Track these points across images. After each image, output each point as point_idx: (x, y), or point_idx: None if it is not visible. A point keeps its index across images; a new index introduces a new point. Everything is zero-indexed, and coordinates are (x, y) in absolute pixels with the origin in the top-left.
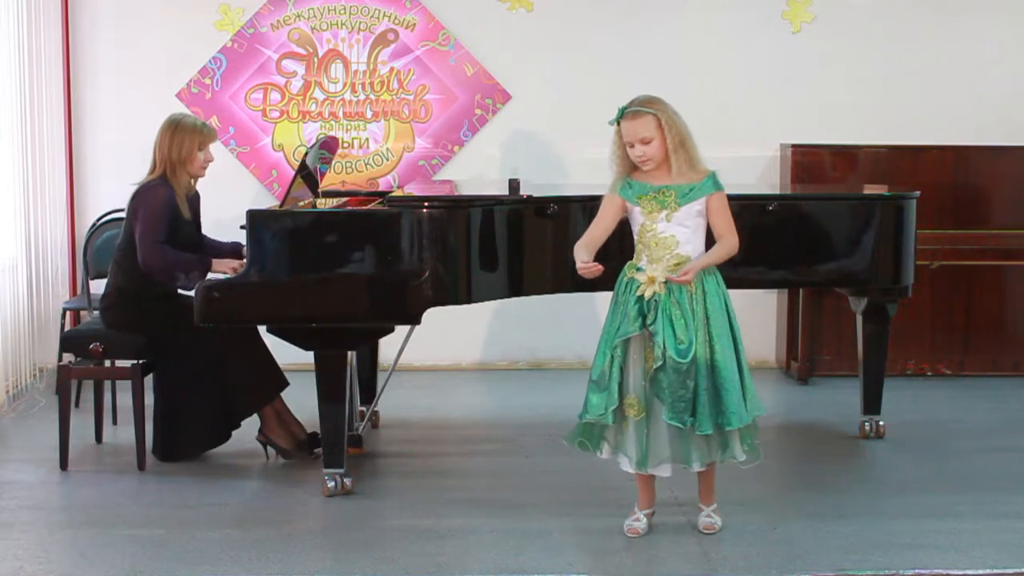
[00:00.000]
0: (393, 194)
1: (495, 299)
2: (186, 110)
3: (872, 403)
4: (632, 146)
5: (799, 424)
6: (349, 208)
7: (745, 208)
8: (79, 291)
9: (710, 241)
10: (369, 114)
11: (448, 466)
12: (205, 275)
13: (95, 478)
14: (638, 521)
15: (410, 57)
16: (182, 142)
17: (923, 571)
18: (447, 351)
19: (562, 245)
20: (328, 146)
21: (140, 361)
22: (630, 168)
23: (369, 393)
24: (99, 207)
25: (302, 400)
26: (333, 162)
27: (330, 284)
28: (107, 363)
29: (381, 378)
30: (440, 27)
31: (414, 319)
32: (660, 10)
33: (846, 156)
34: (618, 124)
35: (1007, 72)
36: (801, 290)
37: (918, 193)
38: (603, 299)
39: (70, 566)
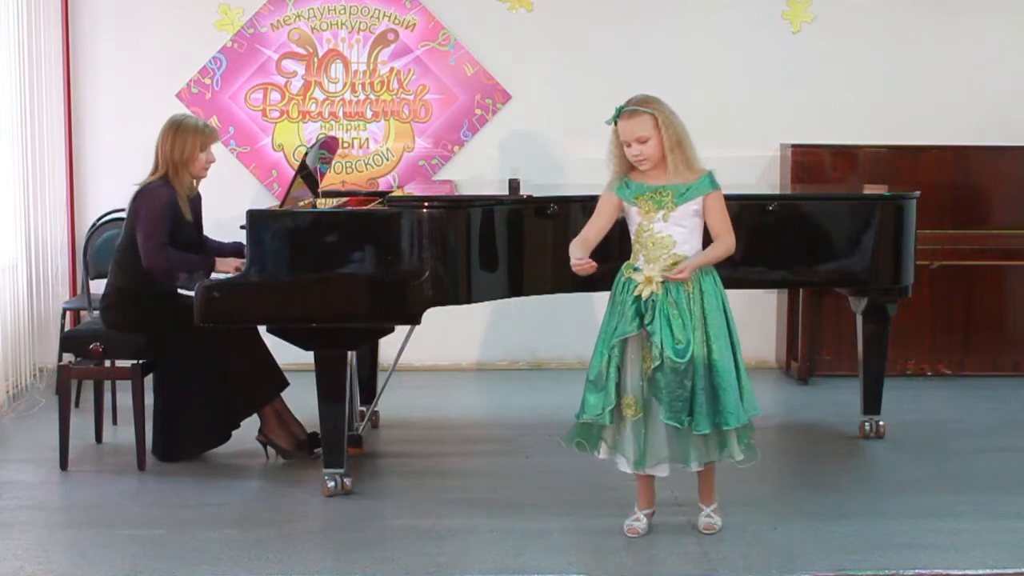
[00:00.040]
0: (393, 194)
1: (495, 299)
2: (186, 110)
3: (872, 403)
4: (629, 145)
5: (799, 424)
6: (349, 208)
7: (745, 208)
8: (79, 291)
9: (708, 241)
10: (369, 114)
11: (448, 466)
12: (209, 275)
13: (95, 478)
14: (638, 521)
15: (410, 57)
16: (184, 143)
17: (923, 571)
18: (447, 351)
19: (562, 245)
20: (328, 146)
21: (140, 361)
22: (627, 168)
23: (369, 393)
24: (99, 207)
25: (302, 400)
26: (333, 162)
27: (330, 284)
28: (107, 363)
29: (381, 378)
30: (440, 27)
31: (414, 319)
32: (660, 10)
33: (846, 156)
34: (615, 123)
35: (1007, 72)
36: (801, 290)
37: (918, 193)
38: (603, 299)
39: (70, 566)
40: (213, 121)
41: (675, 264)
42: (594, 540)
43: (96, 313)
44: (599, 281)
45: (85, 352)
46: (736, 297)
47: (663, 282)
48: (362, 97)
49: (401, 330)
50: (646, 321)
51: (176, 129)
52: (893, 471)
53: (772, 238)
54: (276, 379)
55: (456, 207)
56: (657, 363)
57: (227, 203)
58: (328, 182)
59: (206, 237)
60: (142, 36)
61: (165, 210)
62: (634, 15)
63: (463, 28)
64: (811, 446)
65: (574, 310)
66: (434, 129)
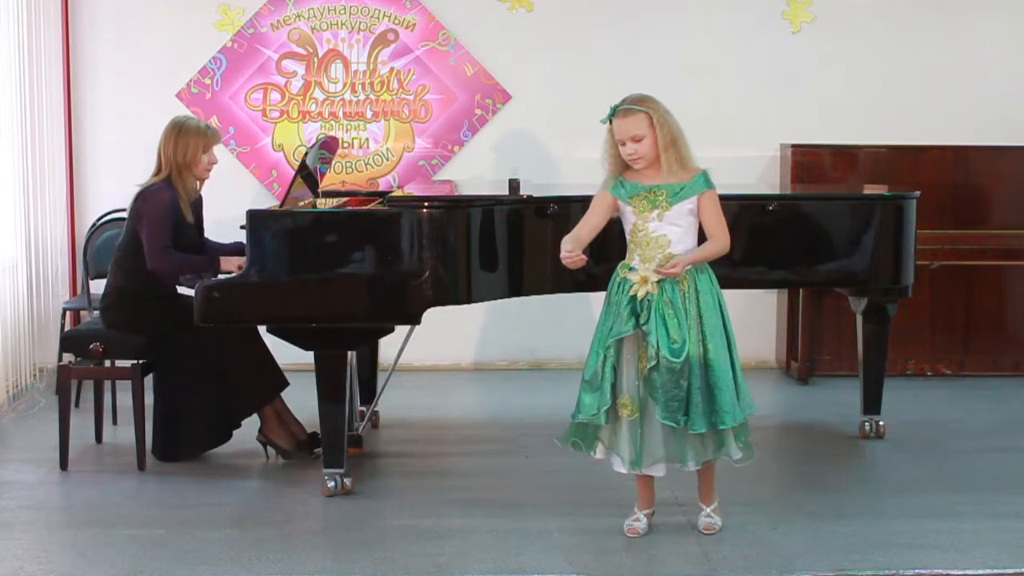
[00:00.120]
0: (393, 194)
1: (495, 299)
2: (186, 110)
3: (872, 403)
4: (624, 144)
5: (799, 424)
6: (349, 208)
7: (745, 208)
8: (79, 291)
9: (703, 241)
10: (369, 114)
11: (448, 466)
12: (215, 275)
13: (95, 478)
14: (638, 521)
15: (410, 57)
16: (187, 144)
17: (923, 571)
18: (447, 351)
19: None
20: (328, 146)
21: (140, 361)
22: (622, 167)
23: (369, 393)
24: (99, 207)
25: (302, 400)
26: (333, 162)
27: (330, 284)
28: (107, 363)
29: (381, 378)
30: (440, 27)
31: (414, 319)
32: (660, 10)
33: (846, 156)
34: (610, 122)
35: (1007, 72)
36: (801, 290)
37: (918, 193)
38: (602, 299)
39: (70, 566)
40: (213, 121)
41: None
42: (594, 540)
43: (96, 313)
44: (600, 281)
45: (85, 352)
46: (736, 297)
47: (659, 282)
48: (362, 97)
49: (401, 330)
50: (642, 321)
51: (179, 131)
52: (893, 471)
53: (772, 238)
54: (276, 379)
55: (456, 207)
56: (653, 363)
57: (227, 203)
58: (328, 182)
59: (208, 240)
60: (142, 36)
61: (167, 212)
62: (634, 15)
63: (463, 28)
64: (811, 446)
65: (574, 310)
66: (434, 129)
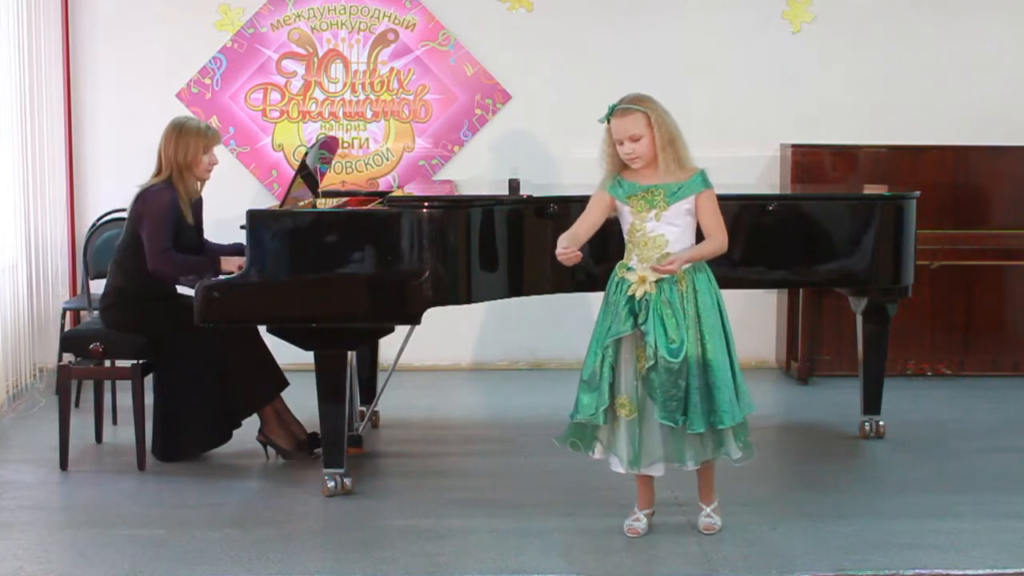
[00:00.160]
0: (393, 194)
1: (495, 299)
2: (186, 110)
3: (872, 403)
4: (621, 143)
5: (799, 424)
6: (349, 208)
7: (745, 208)
8: (79, 291)
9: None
10: (369, 114)
11: (448, 466)
12: (216, 275)
13: (95, 478)
14: (638, 521)
15: (410, 57)
16: (187, 145)
17: (923, 571)
18: (447, 351)
19: None
20: (328, 146)
21: (140, 361)
22: (620, 166)
23: (369, 393)
24: (99, 207)
25: (302, 400)
26: (333, 162)
27: (330, 284)
28: (107, 363)
29: (381, 378)
30: (440, 27)
31: (414, 319)
32: (660, 10)
33: (846, 156)
34: (608, 121)
35: (1007, 72)
36: (801, 290)
37: (918, 193)
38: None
39: (70, 566)
40: (213, 121)
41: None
42: (594, 540)
43: (96, 313)
44: (600, 281)
45: (85, 352)
46: (736, 297)
47: (657, 282)
48: (362, 97)
49: (401, 330)
50: (640, 321)
51: (179, 132)
52: (893, 471)
53: (772, 238)
54: (276, 379)
55: (456, 207)
56: (651, 363)
57: (227, 203)
58: (328, 182)
59: (207, 241)
60: (142, 36)
61: (168, 213)
62: (634, 15)
63: (463, 28)
64: (811, 446)
65: (574, 310)
66: (434, 129)
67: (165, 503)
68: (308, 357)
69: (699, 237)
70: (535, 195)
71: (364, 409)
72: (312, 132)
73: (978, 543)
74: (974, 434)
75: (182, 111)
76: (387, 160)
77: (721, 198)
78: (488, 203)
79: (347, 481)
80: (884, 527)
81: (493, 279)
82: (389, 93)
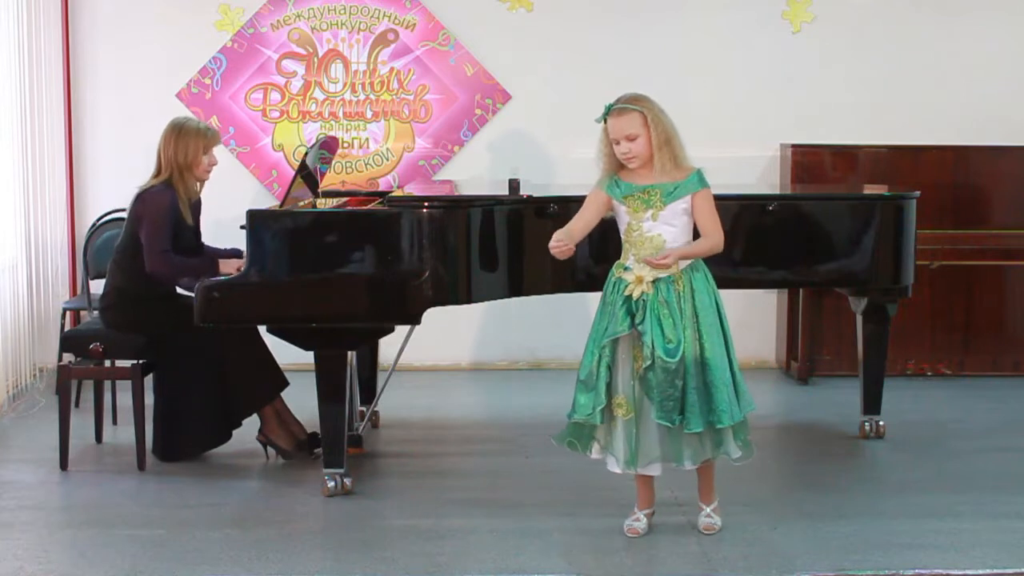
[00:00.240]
0: (393, 194)
1: (495, 299)
2: (186, 110)
3: (872, 403)
4: (618, 143)
5: (799, 424)
6: (349, 208)
7: (745, 208)
8: (79, 291)
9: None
10: (369, 114)
11: (448, 466)
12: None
13: (95, 478)
14: (638, 521)
15: (410, 57)
16: (187, 146)
17: (923, 571)
18: (447, 351)
19: None
20: (328, 146)
21: (140, 361)
22: (616, 166)
23: (369, 393)
24: (99, 207)
25: (302, 400)
26: (333, 162)
27: (330, 284)
28: (107, 363)
29: (381, 378)
30: (440, 27)
31: (414, 319)
32: (660, 10)
33: (846, 156)
34: (605, 122)
35: (1007, 72)
36: (801, 290)
37: (918, 193)
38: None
39: (70, 566)
40: (213, 121)
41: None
42: (594, 540)
43: (96, 313)
44: (598, 281)
45: (85, 352)
46: (736, 297)
47: (654, 282)
48: (362, 97)
49: (401, 330)
50: (637, 321)
51: (179, 132)
52: (893, 471)
53: (772, 238)
54: (276, 379)
55: (456, 207)
56: (648, 363)
57: (227, 203)
58: (328, 182)
59: (205, 245)
60: (142, 36)
61: (167, 214)
62: (634, 15)
63: (463, 28)
64: (811, 446)
65: (574, 310)
66: (434, 129)
67: (165, 503)
68: (308, 357)
69: (697, 237)
70: (535, 195)
71: (364, 409)
72: (312, 132)
73: (978, 543)
74: (974, 434)
75: (182, 111)
76: (387, 160)
77: (721, 198)
78: (488, 203)
79: (347, 481)
80: (884, 527)
81: (493, 279)
82: (389, 93)
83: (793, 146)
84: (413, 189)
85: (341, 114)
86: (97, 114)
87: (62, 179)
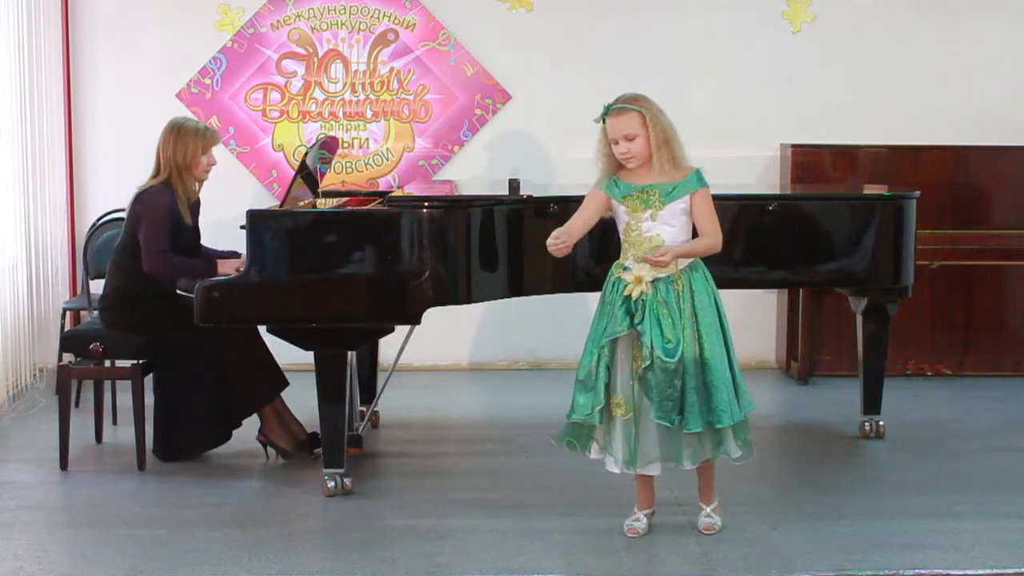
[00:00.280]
0: (393, 194)
1: (495, 299)
2: (186, 110)
3: (872, 403)
4: (616, 143)
5: (799, 424)
6: (349, 208)
7: (745, 208)
8: (79, 291)
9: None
10: (369, 114)
11: (448, 466)
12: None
13: (95, 478)
14: (638, 521)
15: (410, 57)
16: (186, 146)
17: (923, 571)
18: (447, 351)
19: None
20: (328, 146)
21: (140, 361)
22: (615, 166)
23: (369, 393)
24: (99, 207)
25: (302, 400)
26: (333, 162)
27: (330, 284)
28: (107, 363)
29: (381, 378)
30: (440, 27)
31: (414, 319)
32: (660, 10)
33: (846, 156)
34: (603, 121)
35: (1007, 72)
36: (801, 290)
37: (918, 193)
38: None
39: (70, 566)
40: (213, 121)
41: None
42: (594, 540)
43: (96, 313)
44: (598, 281)
45: (85, 352)
46: (736, 297)
47: (653, 282)
48: (362, 97)
49: (401, 330)
50: (636, 321)
51: (177, 132)
52: (893, 471)
53: (772, 238)
54: (276, 379)
55: (456, 207)
56: (647, 363)
57: (227, 203)
58: (328, 182)
59: (203, 247)
60: (142, 36)
61: (166, 214)
62: (634, 15)
63: (463, 28)
64: (811, 446)
65: (574, 310)
66: (434, 129)
67: (165, 503)
68: (308, 357)
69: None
70: (535, 195)
71: (364, 409)
72: (312, 132)
73: (978, 543)
74: (974, 434)
75: (182, 111)
76: (387, 160)
77: (721, 198)
78: (488, 203)
79: (347, 481)
80: (884, 527)
81: (493, 279)
82: (389, 93)
83: (793, 146)
84: (413, 189)
85: (341, 114)
86: (97, 114)
87: (62, 179)
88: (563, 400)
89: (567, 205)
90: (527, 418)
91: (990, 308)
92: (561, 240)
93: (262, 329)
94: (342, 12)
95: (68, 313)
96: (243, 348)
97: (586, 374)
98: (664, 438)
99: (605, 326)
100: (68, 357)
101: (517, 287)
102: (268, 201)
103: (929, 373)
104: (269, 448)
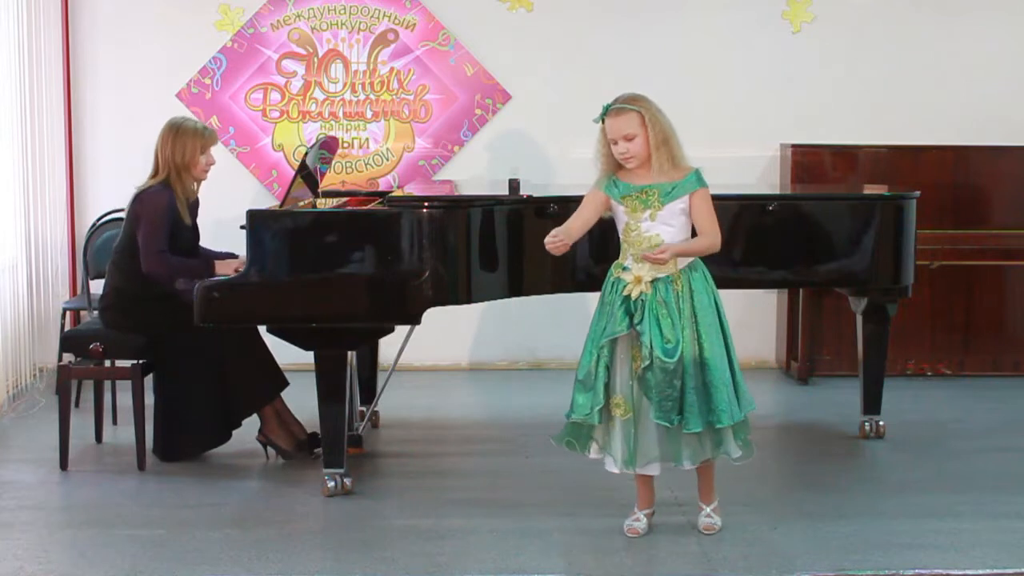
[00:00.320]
0: (393, 194)
1: (495, 299)
2: (186, 110)
3: (872, 403)
4: (616, 143)
5: (799, 424)
6: (349, 208)
7: (745, 208)
8: (79, 291)
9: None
10: (369, 114)
11: (448, 466)
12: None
13: (95, 478)
14: (638, 521)
15: (410, 57)
16: (184, 146)
17: (923, 571)
18: (447, 351)
19: None
20: (328, 146)
21: (140, 361)
22: (615, 167)
23: (369, 393)
24: (99, 207)
25: (302, 400)
26: (333, 162)
27: (330, 284)
28: (107, 363)
29: (381, 378)
30: (440, 27)
31: (414, 319)
32: (660, 10)
33: (846, 156)
34: (602, 121)
35: (1007, 72)
36: (801, 290)
37: (918, 193)
38: None
39: (70, 566)
40: (213, 121)
41: (664, 264)
42: (594, 540)
43: (96, 313)
44: (598, 281)
45: (85, 352)
46: (736, 297)
47: (652, 282)
48: (362, 97)
49: (401, 330)
50: (635, 321)
51: (176, 132)
52: (893, 471)
53: (772, 238)
54: (276, 379)
55: (456, 207)
56: (647, 363)
57: (227, 203)
58: (328, 182)
59: (202, 248)
60: (142, 36)
61: (164, 215)
62: (634, 15)
63: (463, 28)
64: (811, 446)
65: (574, 310)
66: (434, 129)
67: (165, 503)
68: (308, 357)
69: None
70: (535, 195)
71: (364, 409)
72: (312, 132)
73: (978, 543)
74: (974, 434)
75: (182, 111)
76: (387, 160)
77: (721, 198)
78: (488, 203)
79: (347, 481)
80: (884, 527)
81: (493, 279)
82: (389, 93)
83: (793, 146)
84: (413, 189)
85: (341, 114)
86: (97, 114)
87: (62, 179)
88: (563, 400)
89: (567, 205)
90: (527, 418)
91: (990, 308)
92: (559, 238)
93: (262, 329)
94: (342, 12)
95: (68, 313)
96: (243, 348)
97: (585, 374)
98: (664, 438)
99: (604, 326)
100: (68, 357)
101: (517, 287)
102: (268, 201)
103: (929, 373)
104: (269, 448)
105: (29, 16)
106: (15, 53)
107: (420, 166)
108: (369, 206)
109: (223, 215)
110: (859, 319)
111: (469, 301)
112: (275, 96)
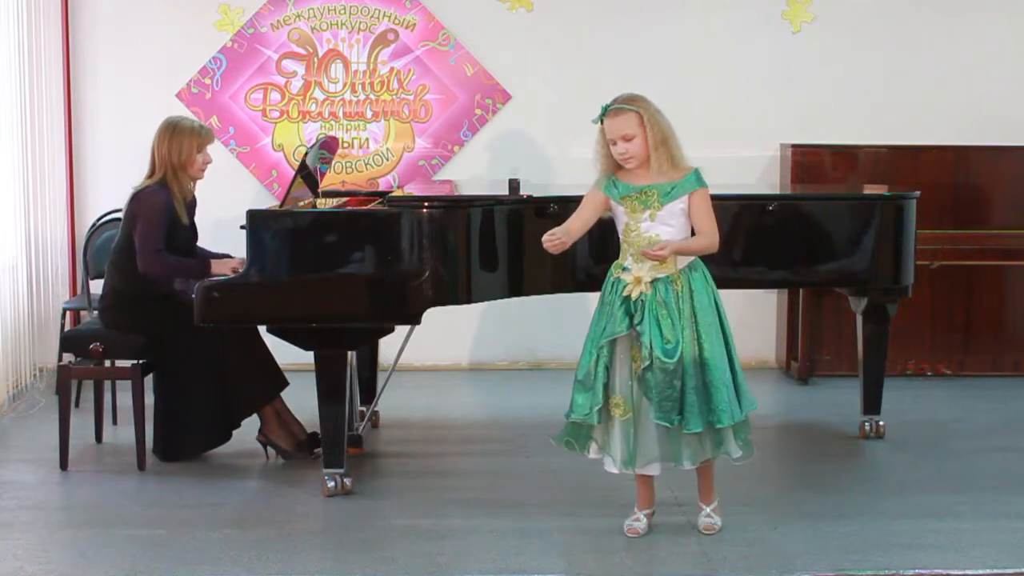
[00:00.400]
0: (393, 194)
1: (495, 299)
2: (186, 110)
3: (872, 403)
4: (615, 143)
5: (799, 424)
6: (349, 208)
7: (745, 208)
8: (79, 291)
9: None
10: (369, 114)
11: (448, 466)
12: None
13: (95, 478)
14: (638, 521)
15: (410, 57)
16: (181, 145)
17: (923, 571)
18: (447, 351)
19: None
20: (328, 146)
21: (140, 361)
22: (614, 167)
23: (369, 393)
24: (99, 207)
25: (302, 400)
26: (333, 162)
27: (330, 284)
28: (107, 363)
29: (381, 378)
30: (440, 27)
31: (414, 319)
32: (660, 10)
33: (846, 156)
34: (601, 122)
35: (1007, 72)
36: (801, 290)
37: (918, 193)
38: None
39: (70, 566)
40: (213, 121)
41: (664, 264)
42: (594, 540)
43: (96, 313)
44: (599, 281)
45: (85, 352)
46: (736, 297)
47: (652, 282)
48: (362, 97)
49: (401, 330)
50: (635, 321)
51: (172, 131)
52: (893, 471)
53: (772, 238)
54: (276, 379)
55: (456, 207)
56: (647, 363)
57: (227, 203)
58: (328, 182)
59: (200, 248)
60: (142, 36)
61: (161, 214)
62: (634, 15)
63: (463, 28)
64: (811, 446)
65: (574, 310)
66: (434, 129)
67: (165, 503)
68: (308, 357)
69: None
70: (535, 195)
71: (364, 409)
72: (312, 132)
73: (978, 543)
74: (974, 434)
75: (182, 111)
76: (387, 160)
77: (721, 198)
78: (488, 203)
79: (347, 481)
80: (884, 527)
81: (493, 279)
82: (389, 93)
83: (793, 146)
84: (413, 189)
85: (341, 114)
86: (97, 114)
87: (62, 179)
88: (563, 400)
89: (567, 205)
90: (527, 418)
91: (990, 308)
92: (557, 237)
93: (262, 329)
94: (342, 12)
95: (68, 313)
96: (243, 348)
97: (585, 374)
98: (664, 438)
99: (604, 326)
100: (68, 357)
101: (517, 287)
102: (268, 201)
103: (929, 373)
104: (269, 448)
105: (29, 16)
106: (15, 53)
107: (420, 166)
108: (369, 206)
109: (223, 215)
110: (859, 319)
111: (469, 301)
112: (275, 96)
